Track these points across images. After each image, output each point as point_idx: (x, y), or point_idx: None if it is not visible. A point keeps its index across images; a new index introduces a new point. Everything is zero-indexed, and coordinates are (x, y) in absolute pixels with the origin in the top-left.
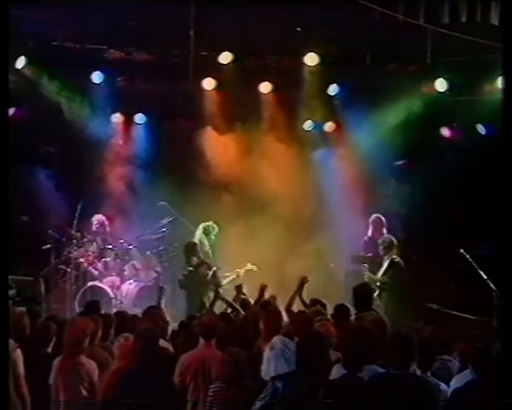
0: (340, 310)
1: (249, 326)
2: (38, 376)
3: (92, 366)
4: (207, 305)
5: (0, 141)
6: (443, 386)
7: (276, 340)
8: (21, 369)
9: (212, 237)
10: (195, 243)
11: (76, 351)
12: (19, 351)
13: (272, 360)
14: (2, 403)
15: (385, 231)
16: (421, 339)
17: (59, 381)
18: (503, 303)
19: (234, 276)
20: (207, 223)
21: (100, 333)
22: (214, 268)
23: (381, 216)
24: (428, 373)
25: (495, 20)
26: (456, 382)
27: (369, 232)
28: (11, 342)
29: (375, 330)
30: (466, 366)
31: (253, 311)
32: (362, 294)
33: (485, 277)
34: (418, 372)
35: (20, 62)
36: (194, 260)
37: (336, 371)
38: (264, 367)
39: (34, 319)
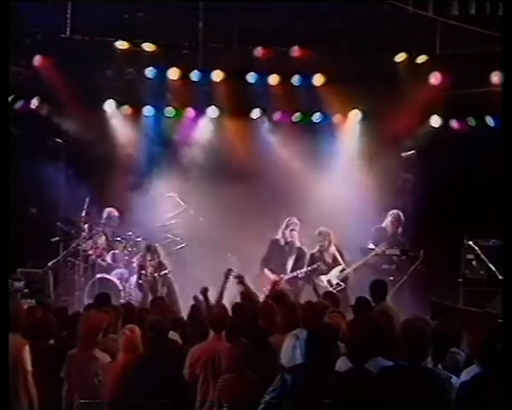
0: (361, 302)
1: (260, 318)
2: (43, 368)
3: (106, 359)
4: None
5: (2, 135)
6: (454, 378)
7: (301, 330)
8: (29, 366)
9: (291, 232)
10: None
11: (90, 344)
12: (27, 348)
13: (298, 349)
14: (2, 401)
15: (400, 229)
16: (432, 332)
17: (72, 374)
18: (506, 295)
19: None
20: (290, 218)
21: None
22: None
23: (400, 213)
24: (439, 366)
25: None
26: (465, 375)
27: (384, 223)
28: (20, 339)
29: (379, 322)
30: (473, 358)
31: (265, 303)
32: (378, 287)
33: (493, 269)
34: (430, 365)
35: (29, 55)
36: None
37: (341, 364)
38: (286, 354)
39: (42, 311)
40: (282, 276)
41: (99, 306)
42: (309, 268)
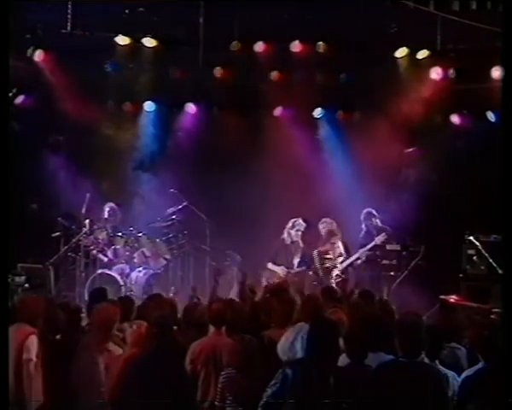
0: (365, 295)
1: (260, 313)
2: (50, 362)
3: (119, 352)
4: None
5: (3, 130)
6: (451, 374)
7: (303, 324)
8: (32, 356)
9: (296, 232)
10: None
11: (104, 337)
12: (34, 337)
13: (299, 342)
14: (2, 397)
15: (378, 221)
16: (428, 327)
17: (83, 366)
18: (506, 291)
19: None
20: (296, 219)
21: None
22: None
23: (370, 210)
24: (437, 361)
25: None
26: (467, 371)
27: (363, 226)
28: (27, 327)
29: (379, 317)
30: (475, 353)
31: (264, 298)
32: None
33: (494, 264)
34: (426, 360)
35: (30, 50)
36: None
37: (342, 359)
38: (284, 348)
39: (45, 306)
40: (289, 270)
41: (95, 301)
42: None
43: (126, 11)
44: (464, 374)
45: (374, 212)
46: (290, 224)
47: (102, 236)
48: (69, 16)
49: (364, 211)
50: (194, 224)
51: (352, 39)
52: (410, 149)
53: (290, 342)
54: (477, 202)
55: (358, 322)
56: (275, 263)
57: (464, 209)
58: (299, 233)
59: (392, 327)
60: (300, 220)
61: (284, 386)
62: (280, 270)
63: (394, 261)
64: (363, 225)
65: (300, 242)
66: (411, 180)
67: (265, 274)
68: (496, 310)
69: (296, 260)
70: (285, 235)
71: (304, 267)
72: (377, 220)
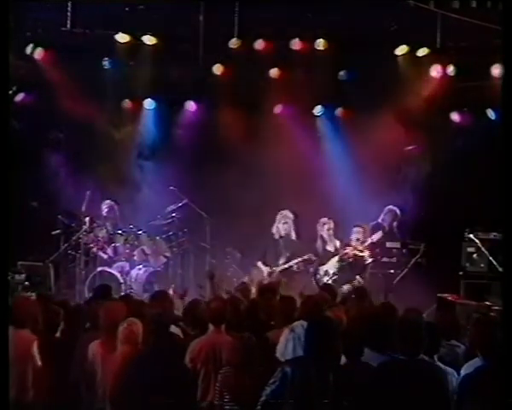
0: (360, 293)
1: (259, 312)
2: (49, 360)
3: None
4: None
5: (3, 128)
6: (450, 371)
7: (298, 324)
8: (39, 362)
9: (283, 225)
10: None
11: (113, 336)
12: (36, 344)
13: (291, 342)
14: (2, 397)
15: (396, 224)
16: (426, 324)
17: (94, 366)
18: (506, 288)
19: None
20: (281, 211)
21: None
22: None
23: (395, 209)
24: (435, 357)
25: None
26: (466, 369)
27: (380, 219)
28: (29, 334)
29: (376, 316)
30: (474, 351)
31: (265, 296)
32: None
33: (494, 262)
34: (424, 358)
35: (30, 48)
36: None
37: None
38: (280, 348)
39: (43, 304)
40: (274, 268)
41: (98, 298)
42: (299, 259)
43: (126, 9)
44: (464, 372)
45: (397, 211)
46: (278, 217)
47: (102, 233)
48: (69, 14)
49: (389, 207)
50: (195, 221)
51: (351, 37)
52: (410, 147)
53: (284, 343)
54: (477, 199)
55: (356, 320)
56: (264, 260)
57: (464, 207)
58: (287, 226)
59: (391, 325)
60: (287, 212)
61: (283, 384)
62: (265, 269)
63: (394, 259)
64: (380, 217)
65: (293, 234)
66: (411, 178)
67: (253, 273)
68: (495, 308)
69: (286, 255)
70: (274, 229)
71: (291, 263)
72: (395, 223)
